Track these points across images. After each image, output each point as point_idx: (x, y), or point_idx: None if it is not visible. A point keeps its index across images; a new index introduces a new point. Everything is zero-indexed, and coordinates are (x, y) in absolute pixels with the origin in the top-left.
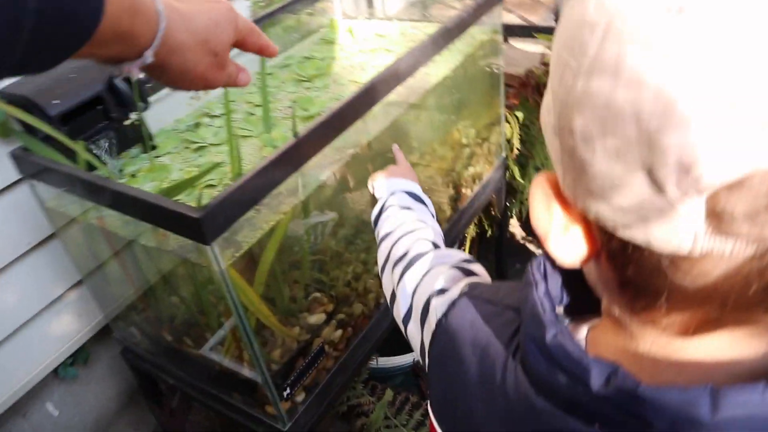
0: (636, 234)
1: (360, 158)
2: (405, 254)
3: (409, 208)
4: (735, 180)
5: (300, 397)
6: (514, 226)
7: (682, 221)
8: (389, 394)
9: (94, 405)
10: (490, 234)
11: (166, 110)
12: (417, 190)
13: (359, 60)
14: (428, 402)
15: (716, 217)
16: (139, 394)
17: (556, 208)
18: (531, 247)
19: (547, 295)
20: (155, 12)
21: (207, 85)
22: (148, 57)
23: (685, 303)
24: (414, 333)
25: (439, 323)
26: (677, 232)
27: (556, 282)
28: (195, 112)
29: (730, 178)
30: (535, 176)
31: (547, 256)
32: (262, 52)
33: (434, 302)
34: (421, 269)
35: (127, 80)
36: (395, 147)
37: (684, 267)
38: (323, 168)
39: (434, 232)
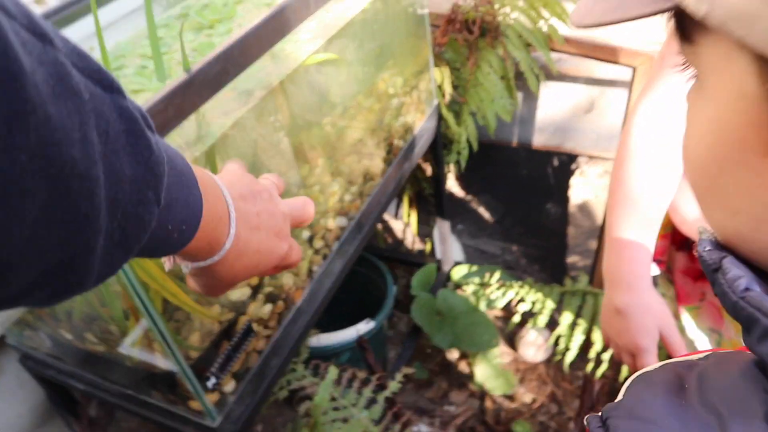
0: None
1: (271, 103)
2: None
3: None
4: None
5: (229, 387)
6: (451, 186)
7: None
8: (333, 372)
9: (3, 425)
10: (428, 192)
11: None
12: None
13: (267, 2)
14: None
15: None
16: (52, 407)
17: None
18: (470, 205)
19: None
20: (228, 217)
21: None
22: (218, 257)
23: None
24: None
25: None
26: None
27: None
28: None
29: None
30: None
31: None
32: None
33: None
34: None
35: None
36: None
37: None
38: (226, 115)
39: None
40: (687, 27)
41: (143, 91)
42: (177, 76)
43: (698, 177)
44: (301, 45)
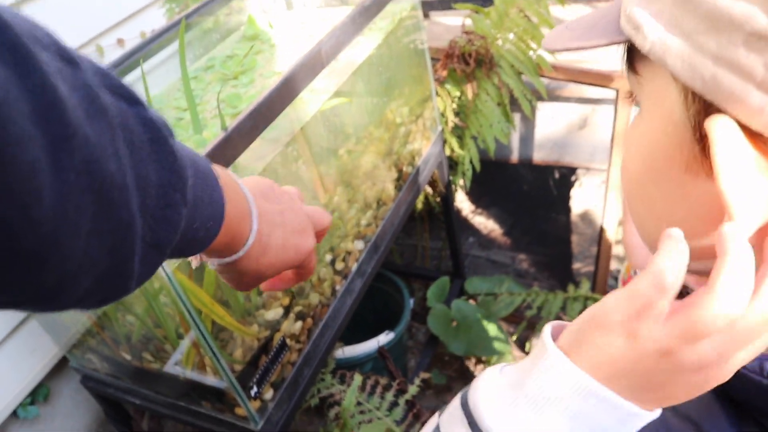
0: None
1: (294, 145)
2: None
3: None
4: None
5: (268, 395)
6: (461, 201)
7: None
8: (358, 379)
9: None
10: (437, 210)
11: None
12: None
13: (283, 51)
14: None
15: None
16: (109, 421)
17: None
18: (479, 219)
19: None
20: (250, 218)
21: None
22: (241, 252)
23: None
24: None
25: None
26: None
27: None
28: None
29: None
30: (714, 127)
31: None
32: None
33: None
34: None
35: None
36: None
37: None
38: (259, 160)
39: None
40: (634, 61)
41: (182, 142)
42: (211, 127)
43: (632, 186)
44: (316, 94)
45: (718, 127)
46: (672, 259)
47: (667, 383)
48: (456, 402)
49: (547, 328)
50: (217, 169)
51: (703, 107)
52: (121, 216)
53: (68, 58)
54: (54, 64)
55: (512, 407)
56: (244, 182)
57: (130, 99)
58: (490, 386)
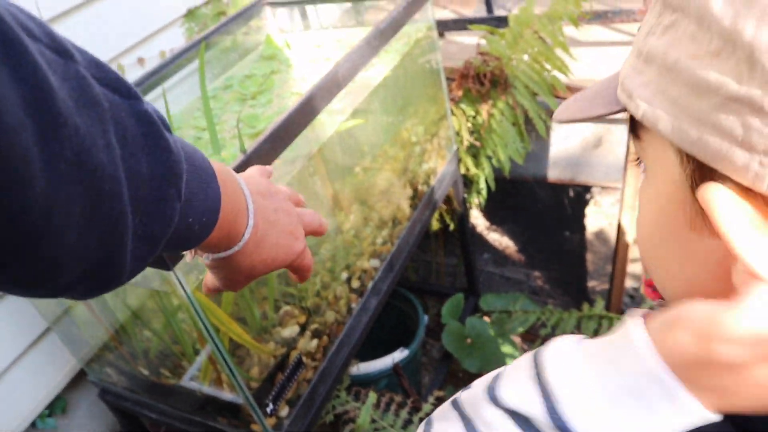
0: None
1: (311, 165)
2: None
3: None
4: None
5: (284, 412)
6: (476, 218)
7: None
8: (373, 396)
9: None
10: (452, 228)
11: None
12: None
13: (300, 72)
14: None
15: None
16: None
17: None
18: (494, 235)
19: None
20: (247, 212)
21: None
22: (237, 247)
23: None
24: None
25: None
26: None
27: None
28: None
29: None
30: (707, 196)
31: None
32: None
33: None
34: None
35: None
36: None
37: None
38: (277, 181)
39: None
40: (636, 127)
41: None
42: (229, 147)
43: (645, 245)
44: (333, 115)
45: (711, 197)
46: None
47: (733, 391)
48: (528, 355)
49: (636, 311)
50: (215, 164)
51: (697, 166)
52: (113, 207)
53: (60, 50)
54: (45, 54)
55: (578, 370)
56: (242, 177)
57: (124, 92)
58: (564, 347)
